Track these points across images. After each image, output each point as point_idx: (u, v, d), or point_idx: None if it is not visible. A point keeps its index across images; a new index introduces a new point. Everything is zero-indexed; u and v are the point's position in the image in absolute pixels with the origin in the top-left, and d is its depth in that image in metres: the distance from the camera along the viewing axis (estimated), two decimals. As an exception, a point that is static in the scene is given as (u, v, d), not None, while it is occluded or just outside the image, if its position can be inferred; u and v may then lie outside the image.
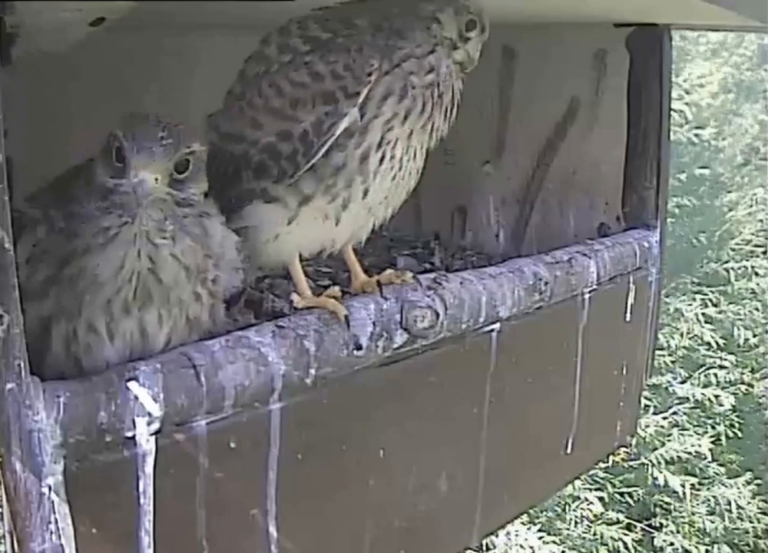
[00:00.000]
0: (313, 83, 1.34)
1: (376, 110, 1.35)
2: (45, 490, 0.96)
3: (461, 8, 1.46)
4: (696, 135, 6.91)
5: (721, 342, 6.11)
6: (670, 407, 5.76)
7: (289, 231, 1.39)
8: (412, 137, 1.41)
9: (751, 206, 7.00)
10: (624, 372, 2.12)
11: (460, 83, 1.48)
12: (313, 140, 1.33)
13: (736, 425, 5.92)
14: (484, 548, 4.54)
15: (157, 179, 1.10)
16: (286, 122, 1.34)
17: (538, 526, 4.86)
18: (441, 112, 1.44)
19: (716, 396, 5.76)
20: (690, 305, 6.21)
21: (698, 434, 5.66)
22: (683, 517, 5.37)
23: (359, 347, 1.34)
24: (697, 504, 5.36)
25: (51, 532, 0.96)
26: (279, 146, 1.35)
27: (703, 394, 5.78)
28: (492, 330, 1.63)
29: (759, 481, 5.63)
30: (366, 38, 1.37)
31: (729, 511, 5.31)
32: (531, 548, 4.66)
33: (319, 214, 1.38)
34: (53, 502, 0.96)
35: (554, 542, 4.81)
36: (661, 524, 5.47)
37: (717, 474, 5.59)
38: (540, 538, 4.70)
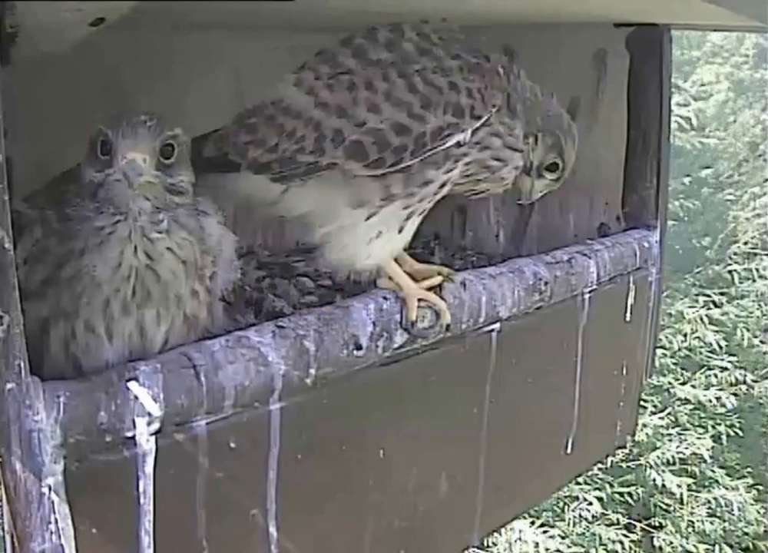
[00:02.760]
0: (450, 91, 1.36)
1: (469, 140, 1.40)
2: (45, 490, 0.96)
3: (556, 146, 1.54)
4: (700, 142, 6.91)
5: (723, 343, 6.10)
6: (667, 408, 5.75)
7: (368, 226, 1.40)
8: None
9: (754, 208, 6.99)
10: (624, 372, 2.12)
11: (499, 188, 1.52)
12: (426, 142, 1.34)
13: (737, 425, 5.91)
14: (485, 545, 4.53)
15: (145, 160, 1.10)
16: (411, 118, 1.34)
17: (539, 527, 4.85)
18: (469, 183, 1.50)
19: (717, 397, 5.75)
20: (693, 307, 6.21)
21: (699, 435, 5.65)
22: (682, 517, 5.37)
23: (359, 347, 1.34)
24: (697, 506, 5.35)
25: (51, 532, 0.96)
26: (389, 136, 1.34)
27: (704, 395, 5.78)
28: (492, 330, 1.63)
29: (759, 483, 5.62)
30: (496, 75, 1.43)
31: (730, 512, 5.30)
32: (536, 543, 4.65)
33: (392, 216, 1.40)
34: (53, 502, 0.96)
35: (559, 536, 4.80)
36: (661, 524, 5.46)
37: (715, 472, 5.58)
38: (544, 531, 4.69)
